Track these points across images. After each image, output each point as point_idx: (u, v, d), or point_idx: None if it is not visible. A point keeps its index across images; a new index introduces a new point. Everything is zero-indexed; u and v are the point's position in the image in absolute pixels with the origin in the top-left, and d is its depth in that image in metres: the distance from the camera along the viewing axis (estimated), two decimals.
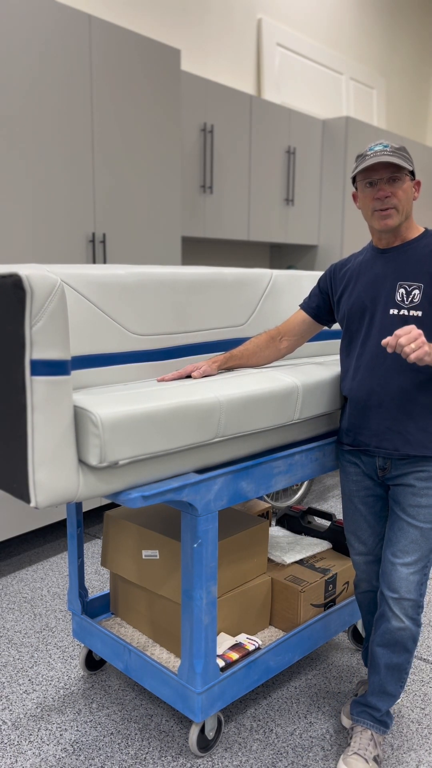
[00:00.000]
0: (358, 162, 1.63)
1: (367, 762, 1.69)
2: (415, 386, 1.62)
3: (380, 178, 1.60)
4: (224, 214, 3.96)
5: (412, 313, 1.61)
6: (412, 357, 1.40)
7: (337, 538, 2.34)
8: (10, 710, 1.98)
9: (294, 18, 5.06)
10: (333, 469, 1.96)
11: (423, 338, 1.41)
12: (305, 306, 1.90)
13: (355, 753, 1.70)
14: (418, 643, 2.33)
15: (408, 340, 1.40)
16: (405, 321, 1.62)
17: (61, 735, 1.87)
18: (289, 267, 4.93)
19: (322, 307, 1.87)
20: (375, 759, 1.72)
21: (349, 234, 4.71)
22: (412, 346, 1.40)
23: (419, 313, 1.60)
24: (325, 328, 2.15)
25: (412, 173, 1.63)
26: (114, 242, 3.14)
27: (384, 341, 1.43)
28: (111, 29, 2.96)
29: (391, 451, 1.67)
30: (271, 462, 1.77)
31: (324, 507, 3.66)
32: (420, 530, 1.65)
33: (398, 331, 1.42)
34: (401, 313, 1.62)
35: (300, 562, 2.20)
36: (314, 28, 5.28)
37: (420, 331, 1.42)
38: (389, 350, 1.43)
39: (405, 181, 1.61)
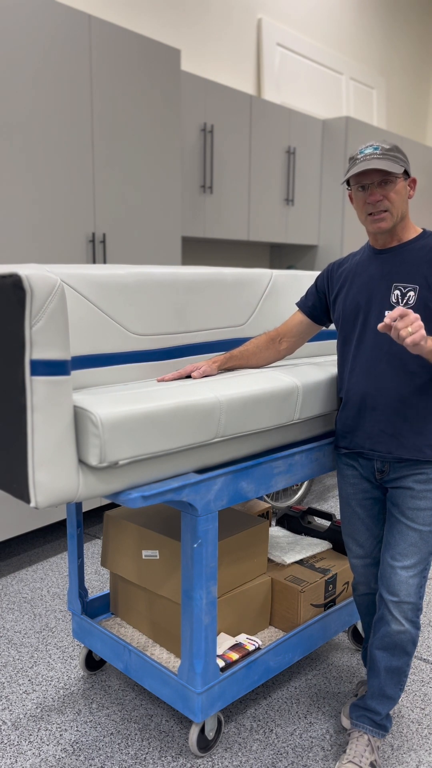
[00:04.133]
0: (350, 165, 1.61)
1: None
2: (409, 389, 1.61)
3: (371, 182, 1.59)
4: (224, 214, 3.96)
5: None
6: (409, 341, 1.35)
7: (337, 538, 2.34)
8: (10, 710, 1.98)
9: (294, 18, 5.06)
10: (333, 470, 1.96)
11: (420, 322, 1.37)
12: (302, 305, 1.89)
13: (350, 761, 1.69)
14: (418, 644, 2.33)
15: (405, 323, 1.36)
16: None
17: (61, 735, 1.87)
18: (289, 267, 4.93)
19: (318, 306, 1.86)
20: (372, 764, 1.72)
21: (349, 234, 4.71)
22: (409, 329, 1.35)
23: None
24: (323, 328, 2.15)
25: (406, 172, 1.61)
26: (114, 242, 3.14)
27: (380, 325, 1.39)
28: (111, 29, 2.96)
29: (384, 453, 1.66)
30: (271, 462, 1.77)
31: (324, 507, 3.66)
32: (419, 533, 1.65)
33: (393, 313, 1.37)
34: None
35: (300, 562, 2.20)
36: (314, 28, 5.28)
37: (417, 315, 1.38)
38: (384, 330, 1.38)
39: (397, 183, 1.59)
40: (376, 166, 1.54)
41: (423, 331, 1.36)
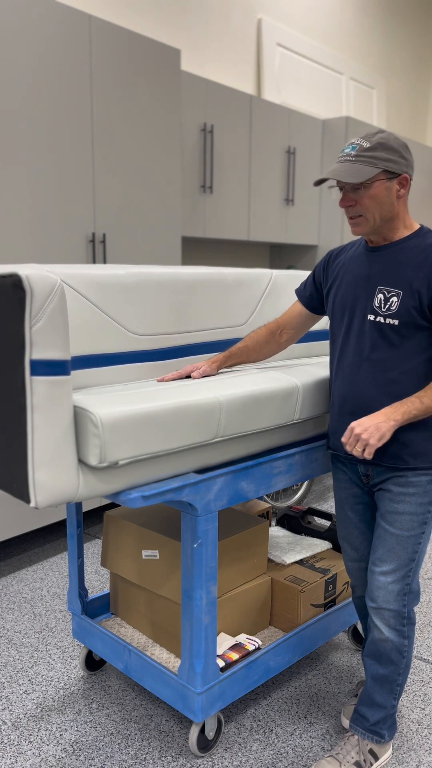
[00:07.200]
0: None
1: (340, 764, 1.68)
2: (389, 397, 1.57)
3: (342, 186, 1.52)
4: (224, 214, 3.96)
5: (388, 321, 1.55)
6: (366, 454, 1.48)
7: (336, 538, 2.34)
8: (10, 710, 1.98)
9: (294, 18, 5.06)
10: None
11: (374, 430, 1.47)
12: (300, 294, 1.86)
13: (332, 756, 1.69)
14: (418, 644, 2.33)
15: (354, 438, 1.49)
16: (380, 328, 1.56)
17: (61, 735, 1.87)
18: (289, 267, 4.93)
19: (314, 296, 1.82)
20: (357, 764, 1.70)
21: (348, 234, 4.71)
22: (364, 438, 1.48)
23: (395, 322, 1.54)
24: (324, 317, 2.09)
25: (389, 171, 1.50)
26: (114, 242, 3.14)
27: (343, 439, 1.51)
28: (111, 29, 2.96)
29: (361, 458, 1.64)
30: (271, 462, 1.76)
31: (324, 507, 3.66)
32: (396, 537, 1.60)
33: (351, 431, 1.50)
34: (377, 320, 1.56)
35: (300, 562, 2.20)
36: (314, 28, 5.28)
37: (373, 424, 1.48)
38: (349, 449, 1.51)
39: (372, 188, 1.49)
40: (338, 176, 1.47)
41: (374, 440, 1.47)
